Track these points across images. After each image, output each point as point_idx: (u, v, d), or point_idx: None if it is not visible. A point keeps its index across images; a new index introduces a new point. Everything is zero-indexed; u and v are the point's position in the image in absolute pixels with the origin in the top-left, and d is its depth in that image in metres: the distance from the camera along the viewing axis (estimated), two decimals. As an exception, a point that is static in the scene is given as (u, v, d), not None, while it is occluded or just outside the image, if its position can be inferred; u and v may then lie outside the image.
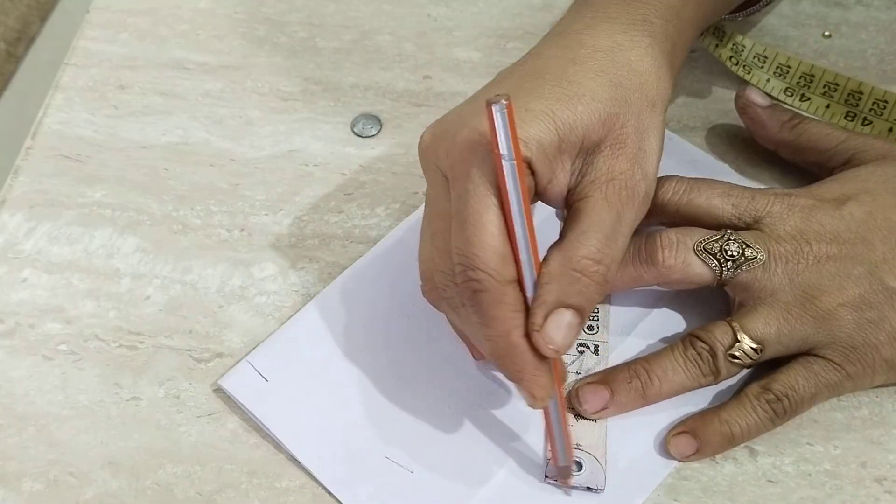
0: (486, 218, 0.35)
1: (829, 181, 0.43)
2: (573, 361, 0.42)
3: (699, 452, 0.40)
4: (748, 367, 0.40)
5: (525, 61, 0.40)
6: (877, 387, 0.41)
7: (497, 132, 0.33)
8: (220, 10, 0.57)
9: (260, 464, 0.40)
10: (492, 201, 0.35)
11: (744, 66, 0.51)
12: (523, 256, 0.35)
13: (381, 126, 0.51)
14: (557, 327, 0.35)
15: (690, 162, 0.49)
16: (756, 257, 0.40)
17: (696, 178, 0.43)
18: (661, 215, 0.42)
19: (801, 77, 0.51)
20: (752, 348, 0.39)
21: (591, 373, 0.42)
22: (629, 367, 0.41)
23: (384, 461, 0.40)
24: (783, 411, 0.39)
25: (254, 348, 0.43)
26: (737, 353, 0.39)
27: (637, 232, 0.39)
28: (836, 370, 0.39)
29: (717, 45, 0.51)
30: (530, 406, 0.36)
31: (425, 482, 0.39)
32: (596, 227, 0.36)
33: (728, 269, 0.40)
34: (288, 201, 0.49)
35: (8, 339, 0.44)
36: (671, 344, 0.41)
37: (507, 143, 0.33)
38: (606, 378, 0.41)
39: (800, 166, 0.47)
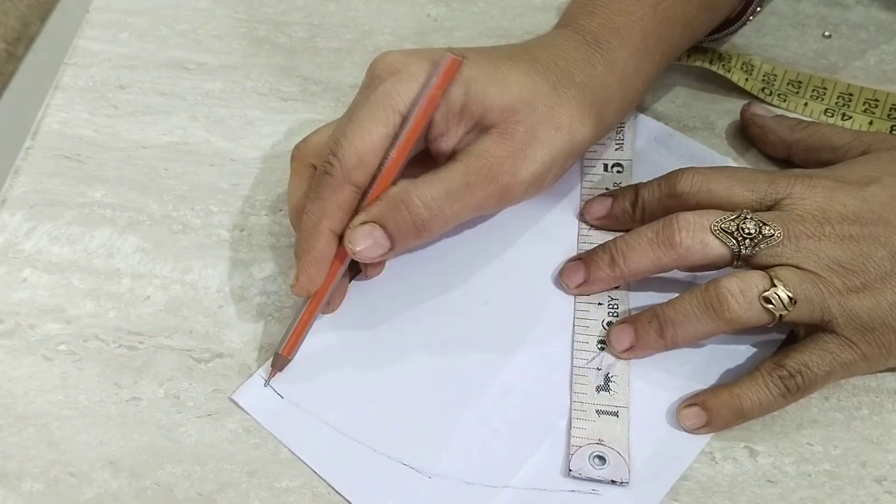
0: (368, 125, 0.40)
1: (851, 163, 0.43)
2: (594, 358, 0.42)
3: (708, 425, 0.40)
4: (771, 323, 0.40)
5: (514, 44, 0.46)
6: (890, 369, 0.41)
7: (437, 73, 0.39)
8: (220, 10, 0.57)
9: (260, 464, 0.40)
10: (382, 117, 0.39)
11: (778, 95, 0.51)
12: (385, 168, 0.40)
13: (381, 126, 0.51)
14: (364, 236, 0.40)
15: (692, 157, 0.49)
16: (773, 235, 0.40)
17: (713, 168, 0.43)
18: (682, 208, 0.42)
19: (839, 97, 0.51)
20: (788, 296, 0.39)
21: (611, 367, 0.42)
22: (652, 308, 0.42)
23: (402, 468, 0.40)
24: (795, 388, 0.40)
25: (266, 362, 0.43)
26: (772, 299, 0.39)
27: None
28: (852, 350, 0.39)
29: (747, 80, 0.51)
30: (292, 289, 0.41)
31: (444, 488, 0.39)
32: (444, 182, 0.40)
33: (746, 248, 0.40)
34: (288, 201, 0.49)
35: (8, 339, 0.44)
36: (695, 289, 0.41)
37: (436, 83, 0.39)
38: (633, 319, 0.42)
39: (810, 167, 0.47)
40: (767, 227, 0.40)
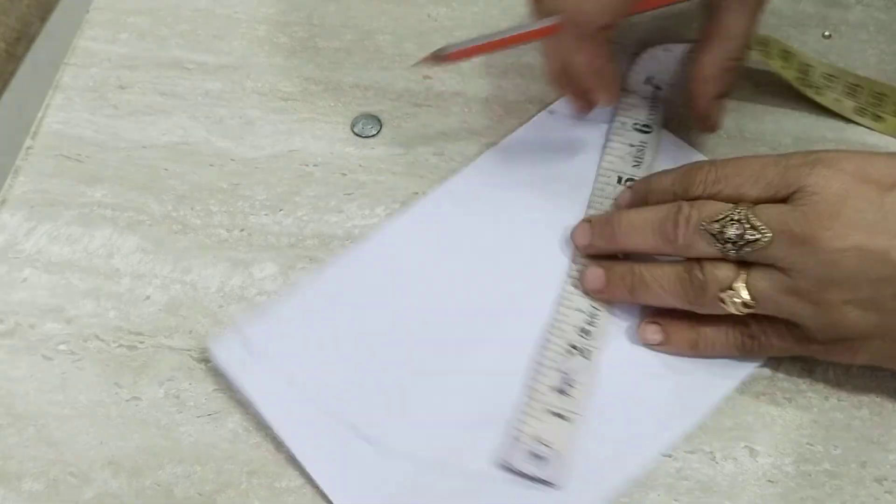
0: None
1: (883, 156, 0.39)
2: (560, 359, 0.42)
3: (662, 346, 0.42)
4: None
5: None
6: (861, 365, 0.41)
7: None
8: (220, 10, 0.57)
9: (260, 464, 0.40)
10: None
11: (814, 88, 0.50)
12: None
13: (381, 126, 0.51)
14: (717, 114, 0.48)
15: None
16: (757, 239, 0.38)
17: (727, 161, 0.41)
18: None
19: (872, 96, 0.50)
20: (742, 302, 0.39)
21: (574, 373, 0.42)
22: (631, 265, 0.43)
23: (354, 437, 0.40)
24: (751, 349, 0.41)
25: (243, 314, 0.44)
26: (725, 299, 0.39)
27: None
28: (820, 347, 0.40)
29: (784, 67, 0.51)
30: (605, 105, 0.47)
31: (394, 466, 0.40)
32: (740, 35, 0.45)
33: (729, 251, 0.39)
34: (288, 201, 0.49)
35: (8, 339, 0.44)
36: (678, 261, 0.41)
37: None
38: (609, 267, 0.43)
39: None
40: (753, 232, 0.38)
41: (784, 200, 0.39)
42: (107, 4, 0.57)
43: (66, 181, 0.49)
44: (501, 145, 0.50)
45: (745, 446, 0.41)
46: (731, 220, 0.39)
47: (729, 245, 0.39)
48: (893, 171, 0.38)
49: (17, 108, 0.66)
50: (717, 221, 0.39)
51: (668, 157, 0.49)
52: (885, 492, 0.39)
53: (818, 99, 0.50)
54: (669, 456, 0.40)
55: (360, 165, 0.50)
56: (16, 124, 0.58)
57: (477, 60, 0.54)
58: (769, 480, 0.40)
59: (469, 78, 0.53)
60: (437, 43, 0.55)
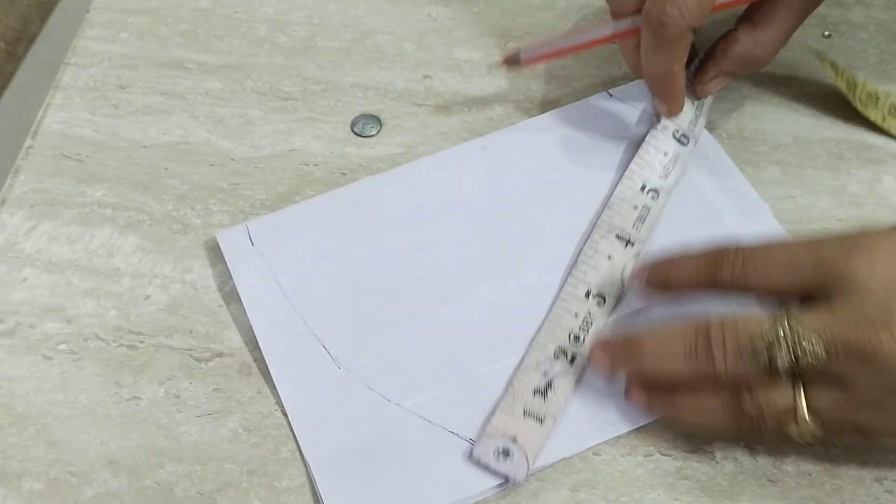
0: None
1: None
2: (546, 361, 0.42)
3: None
4: None
5: None
6: None
7: None
8: (220, 9, 0.57)
9: (260, 463, 0.40)
10: None
11: (860, 101, 0.50)
12: None
13: (381, 126, 0.51)
14: (714, 86, 0.48)
15: (734, 200, 0.48)
16: (812, 363, 0.34)
17: (751, 249, 0.38)
18: (720, 292, 0.38)
19: None
20: (812, 433, 0.35)
21: (557, 377, 0.41)
22: (672, 398, 0.38)
23: (320, 348, 0.42)
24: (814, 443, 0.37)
25: (255, 218, 0.47)
26: (793, 434, 0.36)
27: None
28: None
29: (836, 76, 0.50)
30: (666, 115, 0.47)
31: (346, 382, 0.41)
32: (783, 35, 0.46)
33: (782, 371, 0.35)
34: (288, 201, 0.49)
35: (8, 339, 0.44)
36: (720, 390, 0.37)
37: None
38: (649, 394, 0.39)
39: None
40: (804, 353, 0.34)
41: (823, 292, 0.35)
42: (107, 4, 0.57)
43: (66, 181, 0.49)
44: (547, 115, 0.51)
45: (745, 446, 0.40)
46: (776, 340, 0.34)
47: (778, 369, 0.35)
48: None
49: (17, 107, 0.67)
50: (763, 341, 0.35)
51: (704, 167, 0.48)
52: (885, 491, 0.39)
53: (864, 112, 0.50)
54: (669, 456, 0.40)
55: (360, 165, 0.50)
56: (16, 124, 0.58)
57: (477, 60, 0.54)
58: (769, 480, 0.40)
59: (469, 78, 0.53)
60: (438, 43, 0.55)
